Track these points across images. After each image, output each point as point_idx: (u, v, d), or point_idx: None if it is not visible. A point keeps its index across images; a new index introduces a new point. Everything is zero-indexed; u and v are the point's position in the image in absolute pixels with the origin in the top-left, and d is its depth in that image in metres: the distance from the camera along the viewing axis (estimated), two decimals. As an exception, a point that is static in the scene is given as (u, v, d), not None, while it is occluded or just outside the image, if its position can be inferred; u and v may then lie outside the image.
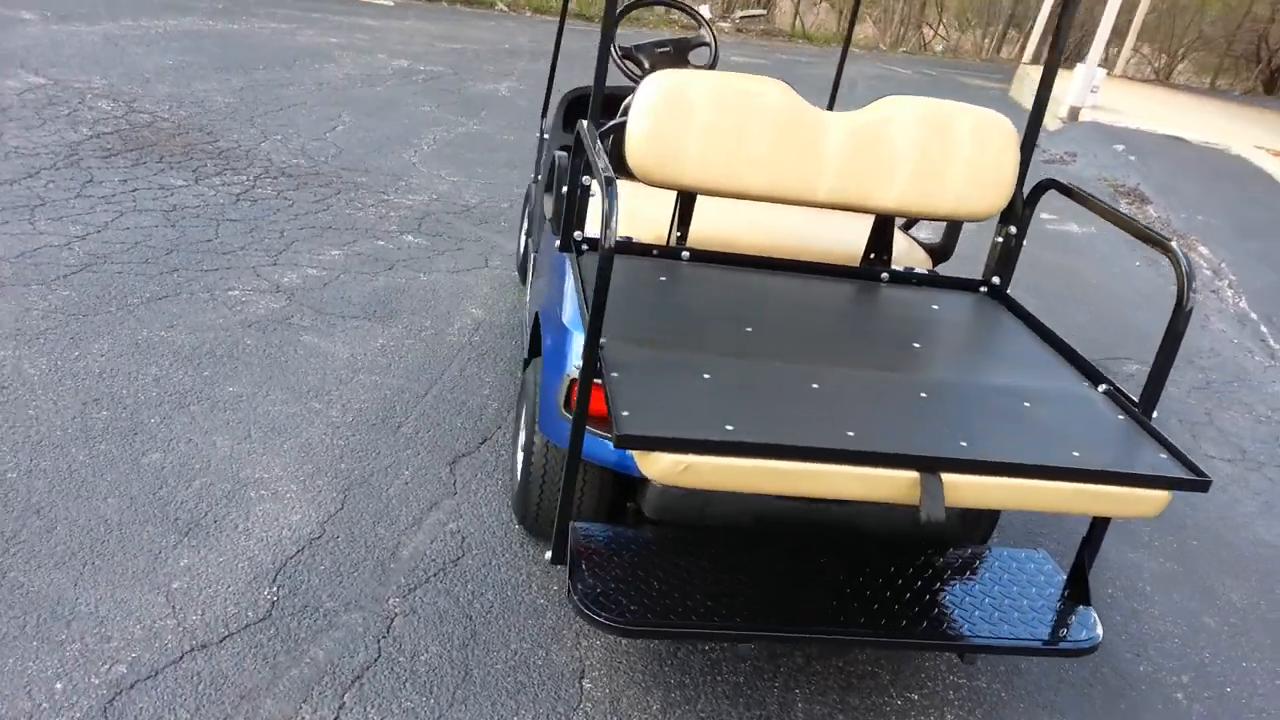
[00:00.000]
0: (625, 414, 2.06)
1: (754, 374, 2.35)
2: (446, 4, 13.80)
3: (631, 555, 2.46)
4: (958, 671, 2.72)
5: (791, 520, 2.60)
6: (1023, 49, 19.53)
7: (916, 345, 2.67)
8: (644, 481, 2.57)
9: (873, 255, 3.19)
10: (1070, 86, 10.92)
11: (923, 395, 2.36)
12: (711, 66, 4.10)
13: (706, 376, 2.30)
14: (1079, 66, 11.01)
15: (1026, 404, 2.40)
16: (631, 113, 2.79)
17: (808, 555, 2.58)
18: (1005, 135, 2.93)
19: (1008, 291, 3.08)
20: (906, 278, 3.11)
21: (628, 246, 2.99)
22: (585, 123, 2.79)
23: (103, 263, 4.33)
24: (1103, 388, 2.53)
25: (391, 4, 13.06)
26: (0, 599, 2.46)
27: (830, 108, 4.75)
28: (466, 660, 2.52)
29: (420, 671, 2.46)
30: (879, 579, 2.51)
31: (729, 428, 2.07)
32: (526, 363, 3.34)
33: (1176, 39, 19.19)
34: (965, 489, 2.07)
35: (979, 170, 2.91)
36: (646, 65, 3.95)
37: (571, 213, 2.90)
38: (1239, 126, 11.80)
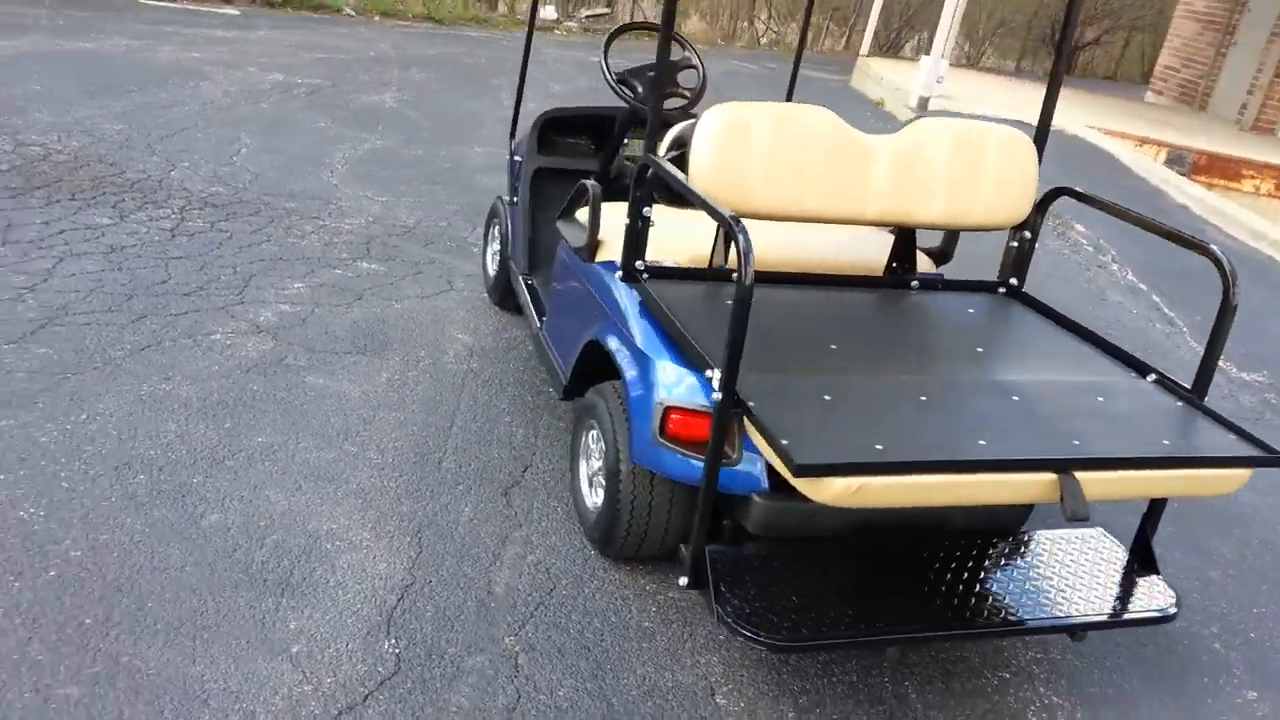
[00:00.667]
0: (786, 443, 2.16)
1: (864, 391, 2.49)
2: (291, 11, 13.30)
3: (759, 573, 2.56)
4: (1034, 647, 2.94)
5: (888, 524, 2.75)
6: (848, 42, 20.39)
7: (980, 350, 2.88)
8: (745, 500, 2.67)
9: (894, 265, 3.38)
10: (917, 78, 11.54)
11: (1015, 399, 2.55)
12: (701, 89, 4.19)
13: (827, 398, 2.42)
14: (924, 58, 11.63)
15: (1100, 399, 2.63)
16: (696, 144, 2.87)
17: (897, 555, 2.74)
18: (1026, 150, 3.16)
19: (1024, 290, 3.33)
20: (933, 283, 3.32)
21: (685, 272, 3.07)
22: (651, 155, 2.85)
23: (65, 314, 4.07)
24: (1151, 378, 2.80)
25: (237, 12, 12.48)
26: (126, 686, 2.34)
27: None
28: (602, 690, 2.57)
29: (564, 707, 2.49)
30: (967, 571, 2.70)
31: (879, 447, 2.20)
32: (568, 391, 3.37)
33: (984, 26, 20.48)
34: (1093, 484, 2.27)
35: (1005, 183, 3.13)
36: (640, 89, 4.01)
37: (634, 242, 2.95)
38: (1064, 107, 12.76)
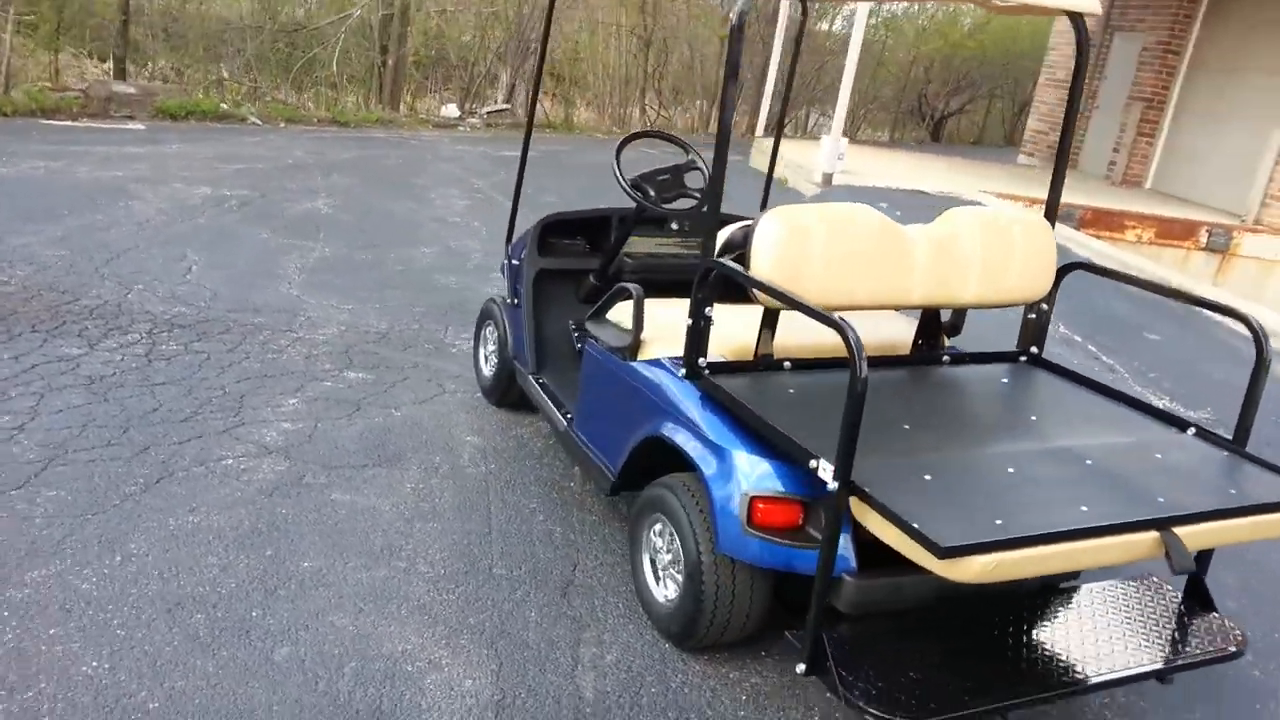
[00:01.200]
0: (919, 526, 2.22)
1: (956, 468, 2.58)
2: (195, 122, 13.10)
3: (870, 651, 2.59)
4: (1101, 694, 3.04)
5: (970, 592, 2.82)
6: (744, 122, 21.07)
7: (1034, 418, 3.01)
8: (836, 581, 2.70)
9: (920, 341, 3.52)
10: (820, 155, 12.00)
11: (1088, 463, 2.68)
12: (711, 188, 4.27)
13: (928, 478, 2.50)
14: (824, 137, 12.12)
15: (1158, 455, 2.78)
16: (757, 245, 2.96)
17: (979, 620, 2.82)
18: (1045, 232, 3.36)
19: (1043, 358, 3.51)
20: (960, 357, 3.46)
21: (739, 366, 3.13)
22: (716, 259, 2.94)
23: (65, 453, 3.89)
24: (1191, 431, 2.97)
25: (143, 126, 12.22)
26: (253, 839, 2.23)
27: (764, 204, 5.09)
28: (721, 785, 2.55)
29: (690, 807, 2.47)
30: (1046, 629, 2.78)
31: (998, 522, 2.29)
32: (616, 488, 3.38)
33: (855, 100, 21.50)
34: (1190, 538, 2.40)
35: (1029, 262, 3.31)
36: (653, 192, 4.10)
37: (696, 340, 3.00)
38: (954, 175, 13.40)
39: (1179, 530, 2.37)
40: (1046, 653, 2.66)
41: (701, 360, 3.03)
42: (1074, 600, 2.94)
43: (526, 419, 4.68)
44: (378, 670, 2.84)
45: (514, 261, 4.52)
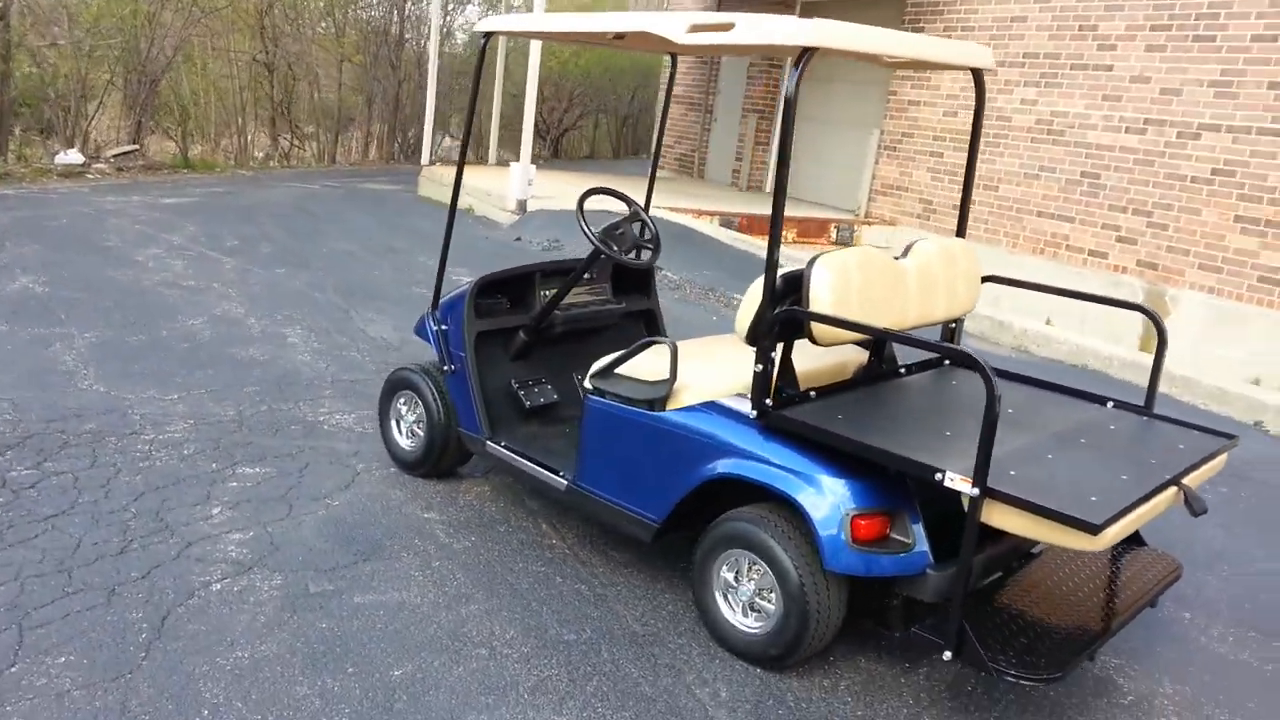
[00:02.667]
0: (1070, 513, 2.76)
1: (1019, 461, 3.15)
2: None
3: (992, 628, 3.12)
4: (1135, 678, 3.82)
5: (1002, 555, 3.45)
6: (374, 150, 20.63)
7: (1011, 411, 3.71)
8: (920, 576, 3.20)
9: (874, 359, 4.09)
10: (511, 182, 12.34)
11: (1082, 441, 3.41)
12: (656, 236, 4.51)
13: (1013, 473, 3.06)
14: (514, 164, 12.46)
15: (1113, 427, 3.58)
16: (816, 289, 3.35)
17: (1012, 588, 3.47)
18: (972, 253, 4.10)
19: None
20: (910, 367, 4.10)
21: (787, 401, 3.48)
22: (790, 308, 3.31)
23: (26, 613, 3.38)
24: (1110, 404, 3.83)
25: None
26: None
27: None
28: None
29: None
30: (1068, 584, 3.50)
31: (1093, 499, 2.90)
32: (660, 533, 3.63)
33: (504, 123, 22.02)
34: (1191, 484, 3.20)
35: (970, 280, 4.03)
36: (615, 247, 4.30)
37: (765, 383, 3.33)
38: (627, 191, 14.33)
39: (1186, 480, 3.17)
40: (1087, 599, 3.37)
41: (768, 401, 3.37)
42: (1053, 560, 3.69)
43: (461, 485, 4.69)
44: (556, 753, 2.92)
45: (444, 327, 4.51)
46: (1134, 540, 3.85)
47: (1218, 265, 9.86)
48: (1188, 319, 10.02)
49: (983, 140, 12.38)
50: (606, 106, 25.06)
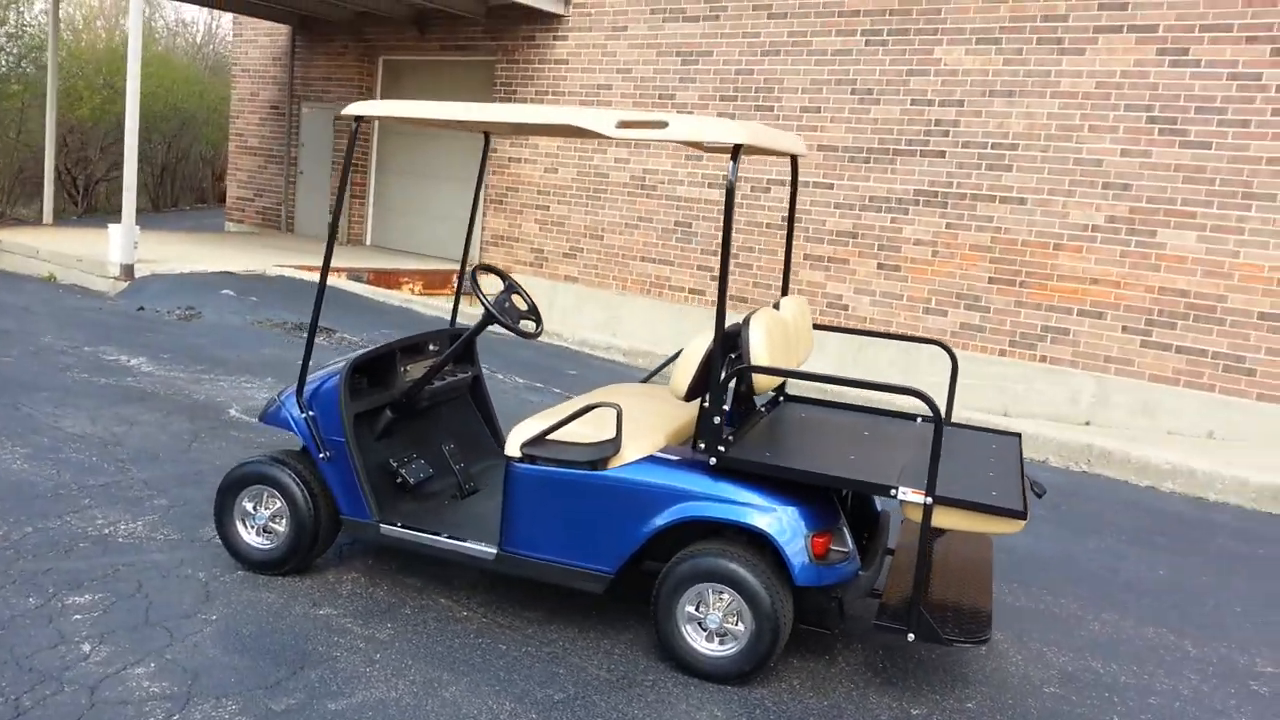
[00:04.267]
0: (1004, 505, 3.55)
1: (916, 474, 3.91)
2: None
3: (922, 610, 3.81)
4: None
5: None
6: None
7: (866, 433, 4.48)
8: (855, 579, 3.85)
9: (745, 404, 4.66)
10: (112, 247, 10.96)
11: (955, 452, 4.26)
12: (534, 307, 4.65)
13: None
14: (112, 226, 11.05)
15: (952, 443, 4.49)
16: (754, 343, 3.88)
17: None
18: (807, 305, 4.81)
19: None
20: (766, 406, 4.75)
21: (720, 445, 3.94)
22: (753, 366, 3.80)
23: None
24: (919, 420, 4.76)
25: None
26: None
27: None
28: None
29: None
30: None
31: (994, 493, 3.74)
32: (614, 584, 3.90)
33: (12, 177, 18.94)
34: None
35: (809, 329, 4.77)
36: (511, 319, 4.38)
37: (719, 432, 3.76)
38: (222, 252, 13.23)
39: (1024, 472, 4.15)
40: (966, 574, 4.20)
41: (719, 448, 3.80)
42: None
43: (329, 575, 4.47)
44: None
45: (311, 413, 4.29)
46: None
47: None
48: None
49: (585, 194, 13.61)
50: (143, 155, 22.82)
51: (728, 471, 3.82)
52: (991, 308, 10.36)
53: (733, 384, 4.10)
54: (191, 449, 6.02)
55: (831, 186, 11.47)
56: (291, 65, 16.32)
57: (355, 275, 12.72)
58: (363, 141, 15.81)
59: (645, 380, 5.17)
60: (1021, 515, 3.52)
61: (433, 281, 13.58)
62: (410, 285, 13.27)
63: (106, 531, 4.74)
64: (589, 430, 4.00)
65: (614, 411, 4.06)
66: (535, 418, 4.14)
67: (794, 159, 4.90)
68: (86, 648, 3.69)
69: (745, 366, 3.91)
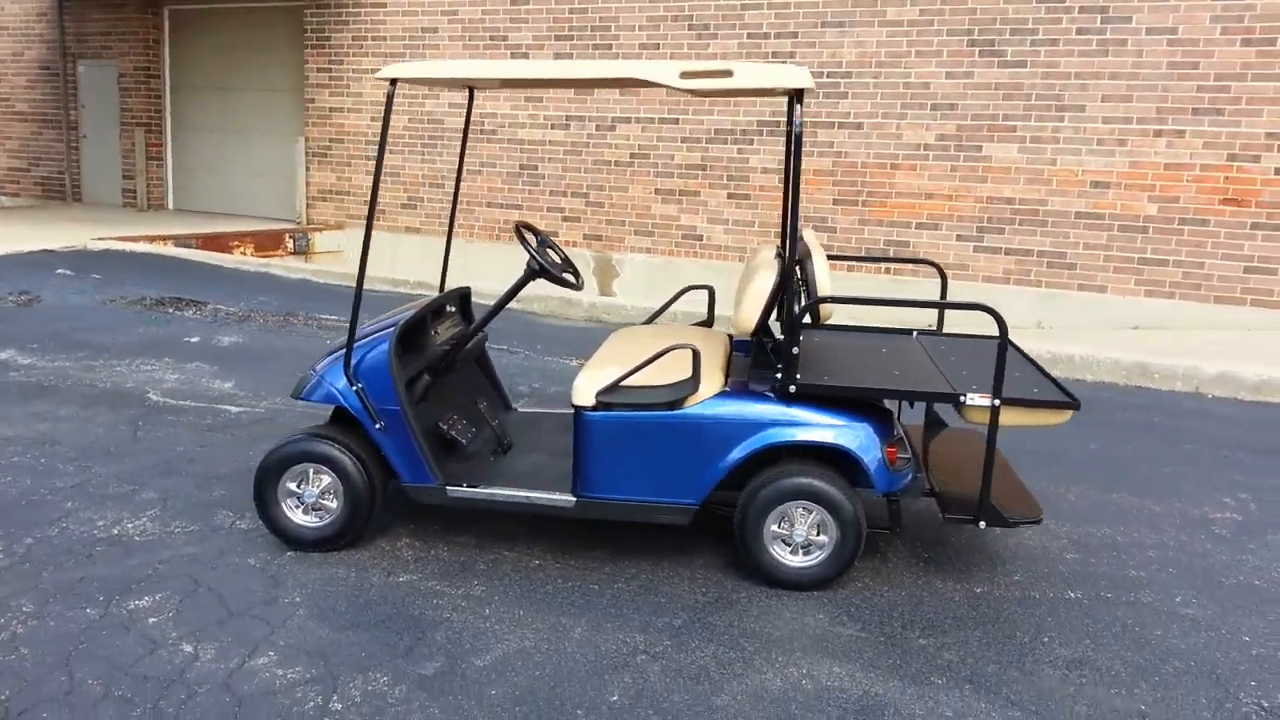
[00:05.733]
0: (1052, 399, 3.97)
1: (963, 380, 4.25)
2: None
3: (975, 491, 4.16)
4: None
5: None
6: None
7: (884, 351, 4.80)
8: (914, 481, 4.19)
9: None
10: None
11: (952, 359, 4.62)
12: (568, 260, 4.57)
13: (975, 386, 4.19)
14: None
15: (943, 348, 4.87)
16: (820, 281, 4.09)
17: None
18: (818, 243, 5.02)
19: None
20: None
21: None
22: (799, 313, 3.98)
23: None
24: (915, 333, 5.10)
25: None
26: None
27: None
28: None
29: (972, 628, 3.88)
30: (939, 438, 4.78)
31: (1035, 390, 4.15)
32: (697, 515, 4.06)
33: None
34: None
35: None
36: (556, 273, 4.33)
37: (794, 365, 3.96)
38: (18, 230, 11.80)
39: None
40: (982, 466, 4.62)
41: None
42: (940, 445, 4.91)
43: (381, 541, 4.34)
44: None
45: (359, 385, 4.13)
46: (940, 423, 5.25)
47: (650, 230, 12.10)
48: (632, 275, 12.15)
49: (420, 142, 13.17)
50: None
51: (798, 397, 4.03)
52: (838, 227, 11.04)
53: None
54: (139, 438, 5.56)
55: (677, 121, 11.74)
56: (60, 20, 14.61)
57: (182, 242, 11.79)
58: (151, 98, 14.48)
59: (648, 322, 5.27)
60: (1076, 404, 3.95)
61: (264, 243, 12.80)
62: (241, 248, 12.45)
63: (115, 532, 4.36)
64: (654, 374, 4.09)
65: (689, 353, 4.17)
66: (590, 367, 4.18)
67: (800, 94, 5.07)
68: (188, 648, 3.47)
69: (817, 299, 4.10)
